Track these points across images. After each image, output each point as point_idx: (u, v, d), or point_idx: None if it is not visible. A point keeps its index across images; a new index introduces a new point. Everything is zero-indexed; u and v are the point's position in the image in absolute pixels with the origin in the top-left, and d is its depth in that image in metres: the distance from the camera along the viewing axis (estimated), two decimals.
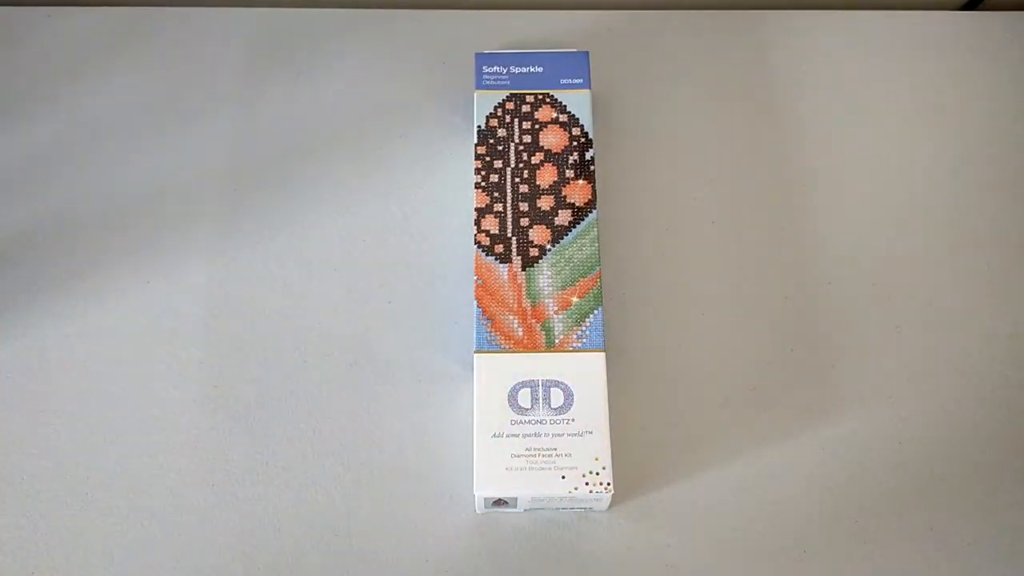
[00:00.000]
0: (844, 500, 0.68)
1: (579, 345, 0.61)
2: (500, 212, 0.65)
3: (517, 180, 0.66)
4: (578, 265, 0.63)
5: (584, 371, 0.60)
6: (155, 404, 0.69)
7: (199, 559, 0.65)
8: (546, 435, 0.58)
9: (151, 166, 0.79)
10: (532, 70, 0.70)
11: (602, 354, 0.61)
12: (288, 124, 0.81)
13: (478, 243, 0.64)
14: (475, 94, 0.70)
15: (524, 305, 0.62)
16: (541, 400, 0.59)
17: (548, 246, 0.64)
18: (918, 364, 0.72)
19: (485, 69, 0.71)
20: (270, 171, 0.79)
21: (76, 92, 0.82)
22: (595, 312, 0.62)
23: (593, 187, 0.66)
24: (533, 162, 0.66)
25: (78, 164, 0.79)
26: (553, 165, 0.66)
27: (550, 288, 0.62)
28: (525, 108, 0.69)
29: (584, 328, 0.62)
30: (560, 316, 0.62)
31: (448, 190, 0.76)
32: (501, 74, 0.70)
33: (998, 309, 0.74)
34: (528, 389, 0.59)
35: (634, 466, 0.68)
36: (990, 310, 0.74)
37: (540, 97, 0.69)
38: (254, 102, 0.82)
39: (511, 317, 0.61)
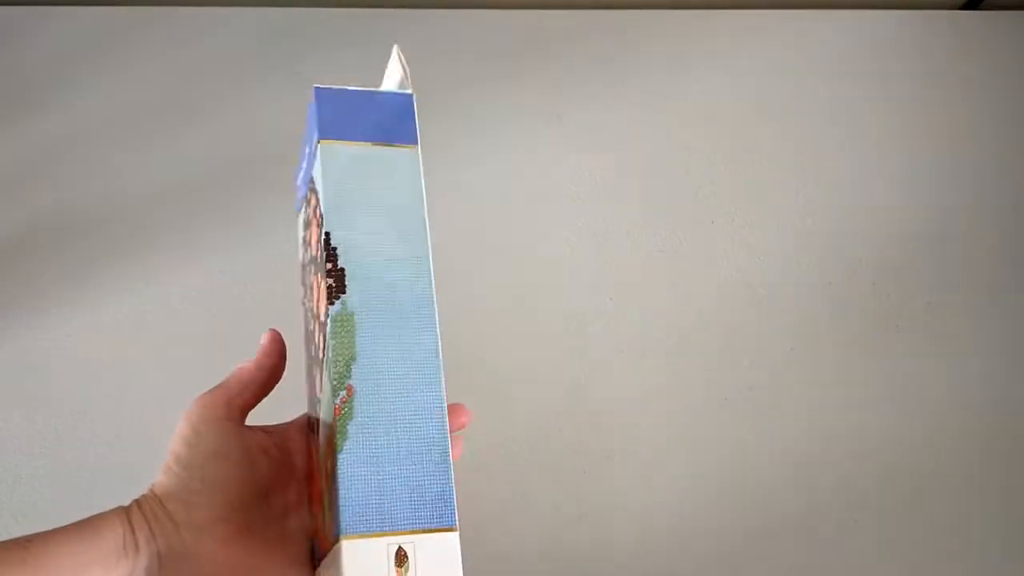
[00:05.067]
0: (844, 500, 0.67)
1: (334, 534, 0.38)
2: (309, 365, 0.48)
3: (305, 312, 0.49)
4: (329, 409, 0.40)
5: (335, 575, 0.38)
6: (155, 404, 0.69)
7: None
8: None
9: (150, 166, 0.79)
10: (306, 149, 0.49)
11: (343, 544, 0.37)
12: (288, 124, 0.81)
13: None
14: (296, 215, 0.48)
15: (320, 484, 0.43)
16: None
17: (321, 396, 0.43)
18: (918, 364, 0.72)
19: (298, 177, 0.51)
20: (270, 171, 0.79)
21: (76, 92, 0.82)
22: (334, 476, 0.39)
23: (330, 282, 0.42)
24: (309, 281, 0.48)
25: (77, 164, 0.79)
26: (317, 275, 0.44)
27: (323, 452, 0.42)
28: (309, 211, 0.48)
29: (335, 505, 0.38)
30: (327, 495, 0.41)
31: (444, 186, 0.76)
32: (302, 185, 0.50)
33: (998, 309, 0.74)
34: None
35: None
36: (990, 310, 0.74)
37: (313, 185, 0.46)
38: (254, 102, 0.82)
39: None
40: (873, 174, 0.79)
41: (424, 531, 0.37)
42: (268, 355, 0.46)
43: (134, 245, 0.75)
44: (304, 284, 0.49)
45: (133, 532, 0.39)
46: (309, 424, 0.47)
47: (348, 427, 0.39)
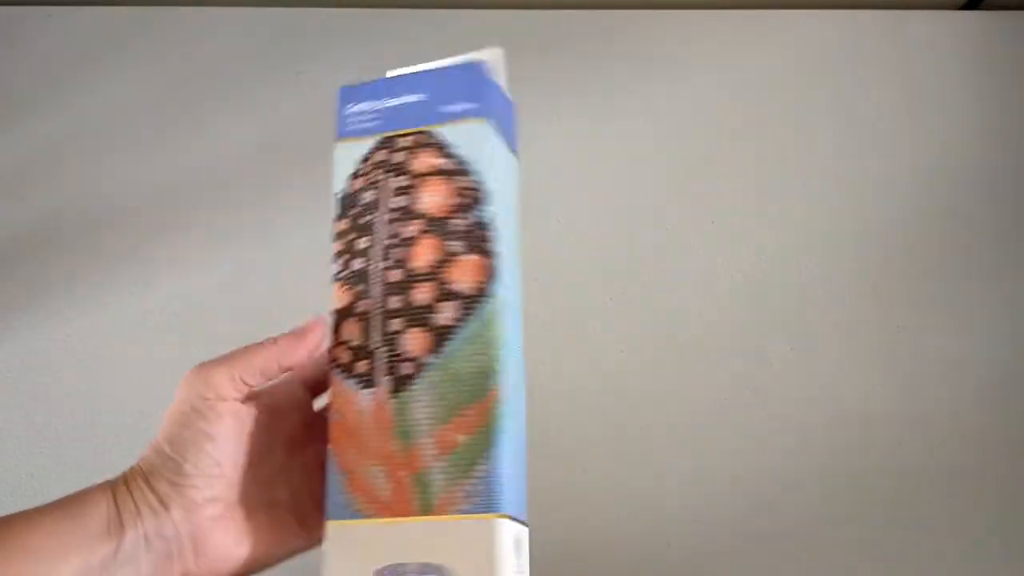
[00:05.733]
0: (844, 499, 0.67)
1: (466, 508, 0.41)
2: (365, 313, 0.45)
3: (386, 264, 0.46)
4: (468, 385, 0.43)
5: (473, 549, 0.41)
6: (155, 404, 0.69)
7: None
8: None
9: (150, 166, 0.79)
10: (409, 99, 0.48)
11: (500, 521, 0.41)
12: (287, 124, 0.81)
13: (335, 361, 0.45)
14: (336, 146, 0.49)
15: (392, 448, 0.43)
16: None
17: (426, 358, 0.44)
18: (918, 364, 0.72)
19: (349, 109, 0.50)
20: (269, 171, 0.79)
21: (76, 92, 0.82)
22: (487, 454, 0.42)
23: (491, 263, 0.44)
24: (407, 235, 0.46)
25: (77, 164, 0.79)
26: (435, 235, 0.46)
27: (429, 422, 0.43)
28: (398, 157, 0.47)
29: (475, 481, 0.42)
30: (441, 463, 0.42)
31: None
32: (369, 113, 0.49)
33: (998, 309, 0.74)
34: None
35: None
36: (990, 310, 0.74)
37: (418, 138, 0.47)
38: (254, 102, 0.81)
39: (375, 468, 0.43)
40: (873, 174, 0.79)
41: (525, 524, 0.43)
42: (297, 348, 0.43)
43: (134, 245, 0.75)
44: (363, 215, 0.48)
45: (119, 512, 0.39)
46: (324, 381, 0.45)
47: (504, 416, 0.42)
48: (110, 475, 0.39)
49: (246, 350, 0.43)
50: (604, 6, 0.87)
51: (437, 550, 0.41)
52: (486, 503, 0.41)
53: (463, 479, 0.42)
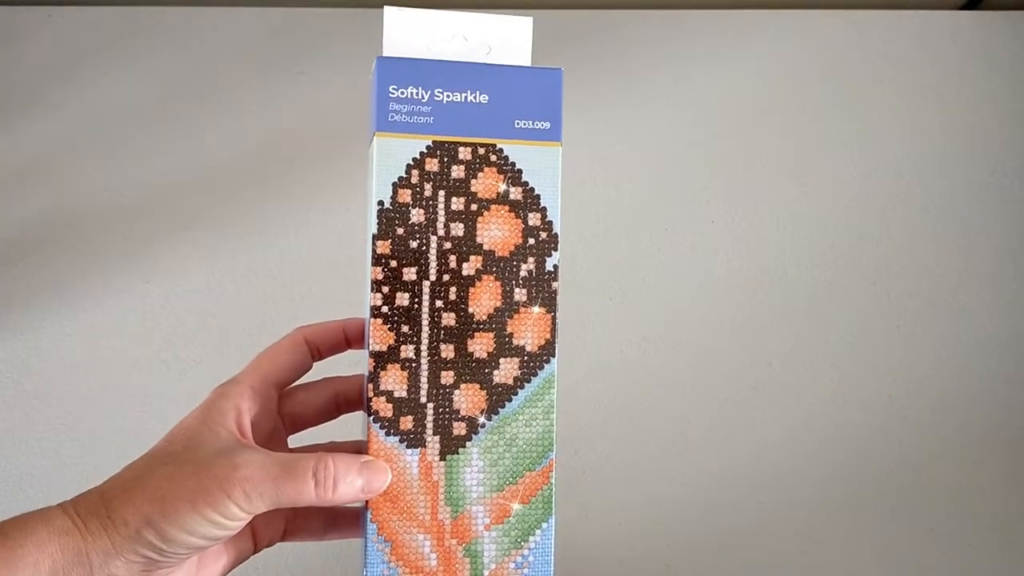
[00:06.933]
0: (844, 499, 0.67)
1: None
2: (411, 360, 0.40)
3: (439, 304, 0.40)
4: (524, 450, 0.41)
5: None
6: (155, 404, 0.69)
7: None
8: None
9: (150, 166, 0.79)
10: (471, 98, 0.41)
11: None
12: (288, 124, 0.81)
13: (375, 413, 0.40)
14: (374, 140, 0.40)
15: (441, 517, 0.40)
16: None
17: (482, 419, 0.40)
18: (918, 364, 0.72)
19: (394, 92, 0.40)
20: (270, 171, 0.79)
21: (76, 92, 0.82)
22: (544, 526, 0.41)
23: (554, 319, 0.41)
24: (465, 272, 0.41)
25: (77, 164, 0.79)
26: (496, 279, 0.41)
27: (481, 489, 0.40)
28: (457, 172, 0.41)
29: (526, 552, 0.41)
30: (493, 533, 0.40)
31: None
32: (420, 105, 0.40)
33: (998, 309, 0.74)
34: None
35: None
36: (990, 310, 0.74)
37: (482, 151, 0.41)
38: (254, 102, 0.81)
39: (421, 536, 0.40)
40: (873, 174, 0.79)
41: None
42: (335, 497, 0.37)
43: (134, 245, 0.75)
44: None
45: (65, 569, 0.34)
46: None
47: (554, 494, 0.41)
48: (110, 474, 0.38)
49: (287, 472, 0.36)
50: (603, 6, 0.87)
51: None
52: (537, 573, 0.41)
53: (515, 550, 0.41)
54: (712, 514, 0.67)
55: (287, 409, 0.42)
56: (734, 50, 0.84)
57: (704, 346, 0.72)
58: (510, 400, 0.41)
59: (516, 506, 0.41)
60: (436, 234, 0.40)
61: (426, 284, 0.40)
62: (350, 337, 0.43)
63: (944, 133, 0.81)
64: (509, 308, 0.41)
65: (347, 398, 0.43)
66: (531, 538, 0.41)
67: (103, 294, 0.74)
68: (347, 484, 0.37)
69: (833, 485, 0.68)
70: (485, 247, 0.40)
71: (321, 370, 0.44)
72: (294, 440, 0.44)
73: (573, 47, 0.84)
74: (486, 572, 0.40)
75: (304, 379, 0.43)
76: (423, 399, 0.40)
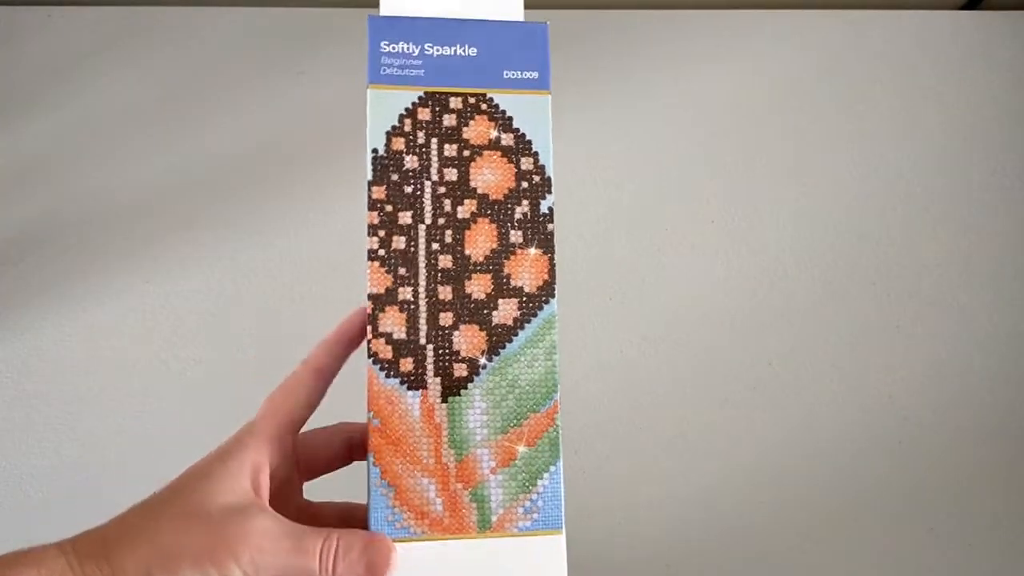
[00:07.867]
0: (844, 499, 0.67)
1: (527, 525, 0.40)
2: (409, 303, 0.41)
3: (436, 247, 0.41)
4: (527, 392, 0.41)
5: (538, 568, 0.40)
6: (155, 404, 0.69)
7: None
8: None
9: (150, 166, 0.79)
10: (460, 51, 0.42)
11: (562, 539, 0.40)
12: (288, 124, 0.81)
13: (374, 355, 0.40)
14: (368, 91, 0.42)
15: (445, 460, 0.40)
16: None
17: (482, 360, 0.41)
18: (918, 364, 0.72)
19: (385, 47, 0.42)
20: (270, 171, 0.79)
21: (76, 92, 0.82)
22: (551, 469, 0.40)
23: (551, 261, 0.42)
24: (460, 215, 0.41)
25: (77, 164, 0.79)
26: (492, 221, 0.42)
27: (485, 431, 0.41)
28: (448, 120, 0.42)
29: (534, 496, 0.40)
30: (499, 477, 0.40)
31: None
32: (410, 58, 0.42)
33: (998, 309, 0.74)
34: None
35: None
36: (990, 310, 0.74)
37: (473, 101, 0.42)
38: (254, 102, 0.81)
39: (425, 480, 0.40)
40: (873, 174, 0.79)
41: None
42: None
43: (134, 245, 0.75)
44: (413, 181, 0.42)
45: None
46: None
47: (560, 437, 0.40)
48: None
49: (296, 548, 0.36)
50: (602, 6, 0.87)
51: (499, 570, 0.40)
52: (548, 520, 0.40)
53: (523, 494, 0.40)
54: (712, 514, 0.67)
55: (301, 455, 0.41)
56: (734, 50, 0.84)
57: (704, 346, 0.72)
58: (510, 341, 0.41)
59: (522, 448, 0.40)
60: (430, 179, 0.41)
61: (422, 227, 0.41)
62: (355, 337, 0.43)
63: (944, 133, 0.81)
64: (505, 250, 0.41)
65: (360, 445, 0.43)
66: (539, 482, 0.40)
67: (103, 294, 0.74)
68: (348, 565, 0.36)
69: (833, 485, 0.68)
70: (479, 191, 0.41)
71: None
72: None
73: (572, 47, 0.84)
74: (493, 518, 0.40)
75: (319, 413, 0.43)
76: (422, 340, 0.40)
